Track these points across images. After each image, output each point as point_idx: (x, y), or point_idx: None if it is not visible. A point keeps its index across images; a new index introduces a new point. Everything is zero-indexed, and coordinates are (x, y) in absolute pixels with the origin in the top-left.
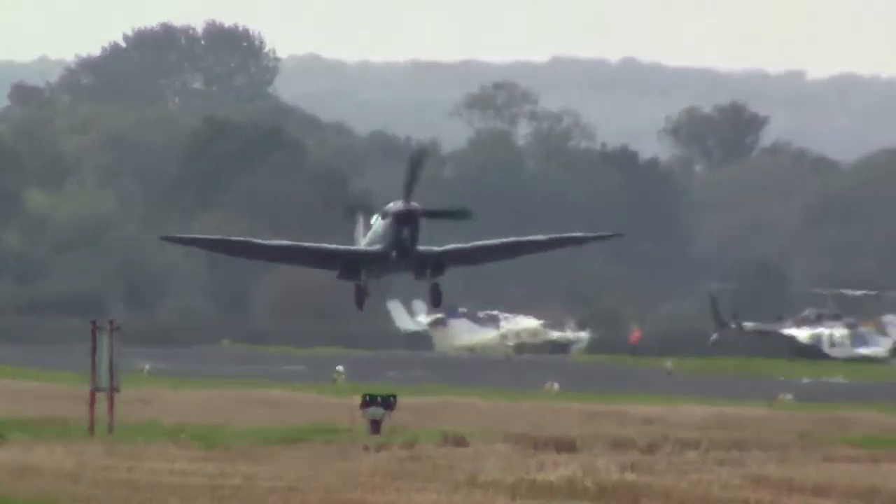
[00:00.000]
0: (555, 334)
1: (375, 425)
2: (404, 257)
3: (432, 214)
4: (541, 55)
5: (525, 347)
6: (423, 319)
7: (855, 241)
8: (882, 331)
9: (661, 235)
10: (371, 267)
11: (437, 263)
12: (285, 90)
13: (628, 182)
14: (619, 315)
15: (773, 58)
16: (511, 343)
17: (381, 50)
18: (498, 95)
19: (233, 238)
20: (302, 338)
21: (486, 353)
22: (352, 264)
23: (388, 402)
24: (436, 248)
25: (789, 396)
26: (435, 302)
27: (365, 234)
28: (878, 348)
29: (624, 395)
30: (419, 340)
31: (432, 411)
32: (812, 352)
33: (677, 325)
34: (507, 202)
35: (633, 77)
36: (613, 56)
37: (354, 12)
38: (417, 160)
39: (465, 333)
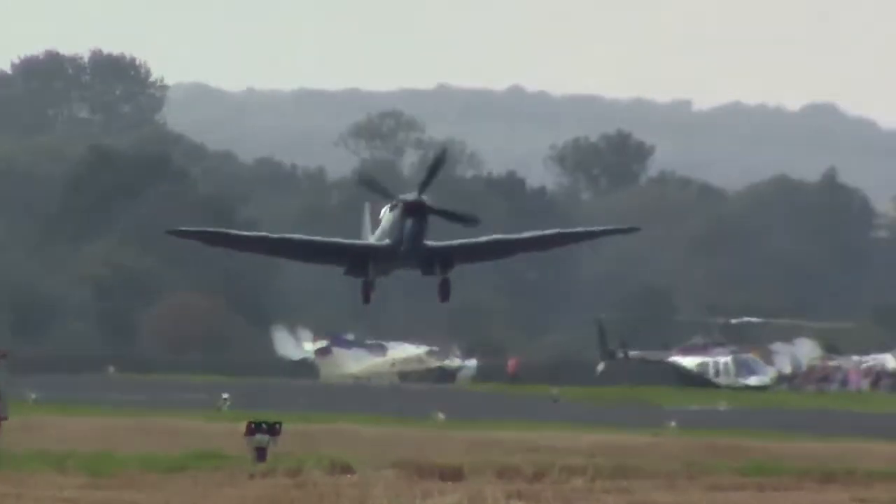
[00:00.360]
0: (441, 362)
1: (261, 452)
2: (413, 252)
3: (442, 213)
4: (426, 83)
5: (411, 375)
6: (309, 347)
7: (741, 269)
8: (769, 359)
9: (548, 263)
10: (379, 262)
11: (446, 259)
12: (172, 118)
13: (515, 210)
14: (506, 343)
15: (659, 87)
16: (397, 371)
17: (266, 78)
18: (384, 124)
19: (241, 232)
20: (188, 365)
21: (372, 380)
22: (360, 259)
23: (273, 430)
24: (445, 243)
25: (675, 424)
26: (444, 296)
27: (373, 230)
28: (765, 377)
29: (511, 423)
30: (304, 368)
31: (318, 438)
32: (699, 380)
33: (564, 354)
34: None
35: (519, 105)
36: (499, 84)
37: (240, 40)
38: (440, 159)
39: (351, 361)
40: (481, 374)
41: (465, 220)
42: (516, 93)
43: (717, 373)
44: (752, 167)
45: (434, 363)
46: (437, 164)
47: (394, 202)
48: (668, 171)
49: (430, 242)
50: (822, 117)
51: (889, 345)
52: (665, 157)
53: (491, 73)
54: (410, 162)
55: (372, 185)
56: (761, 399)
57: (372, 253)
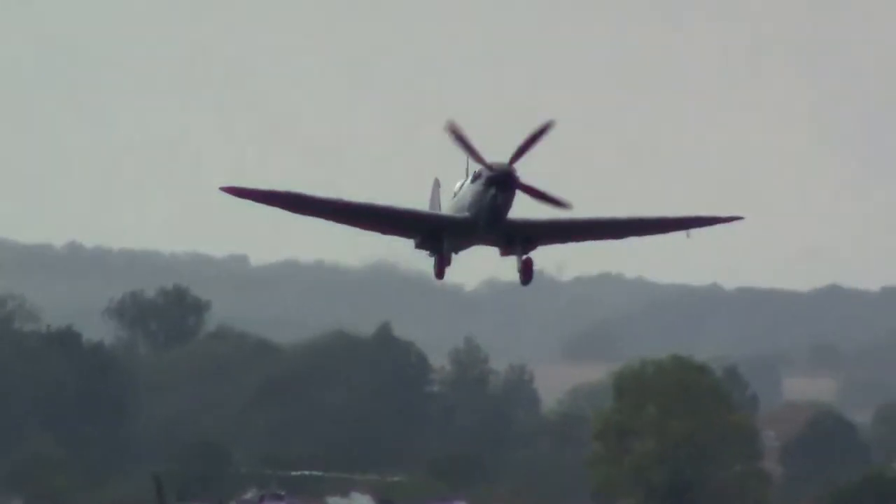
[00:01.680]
0: None
1: None
2: (494, 226)
3: (530, 191)
4: None
5: None
6: None
7: (299, 423)
8: None
9: (107, 417)
10: (456, 236)
11: (528, 238)
12: None
13: (73, 364)
14: (67, 496)
15: (215, 241)
16: None
17: None
18: None
19: (317, 196)
20: None
21: None
22: (434, 232)
23: None
24: (529, 219)
25: None
26: (527, 277)
27: (435, 203)
28: None
29: None
30: None
31: None
32: None
33: None
34: None
35: (77, 260)
36: (57, 239)
37: None
38: (543, 130)
39: None
40: None
41: (556, 202)
42: (74, 247)
43: None
44: (308, 322)
45: None
46: (539, 136)
47: (476, 173)
48: (227, 326)
49: (513, 218)
50: (379, 274)
51: (447, 497)
52: (223, 312)
53: (49, 228)
54: None
55: (461, 139)
56: None
57: (449, 225)
